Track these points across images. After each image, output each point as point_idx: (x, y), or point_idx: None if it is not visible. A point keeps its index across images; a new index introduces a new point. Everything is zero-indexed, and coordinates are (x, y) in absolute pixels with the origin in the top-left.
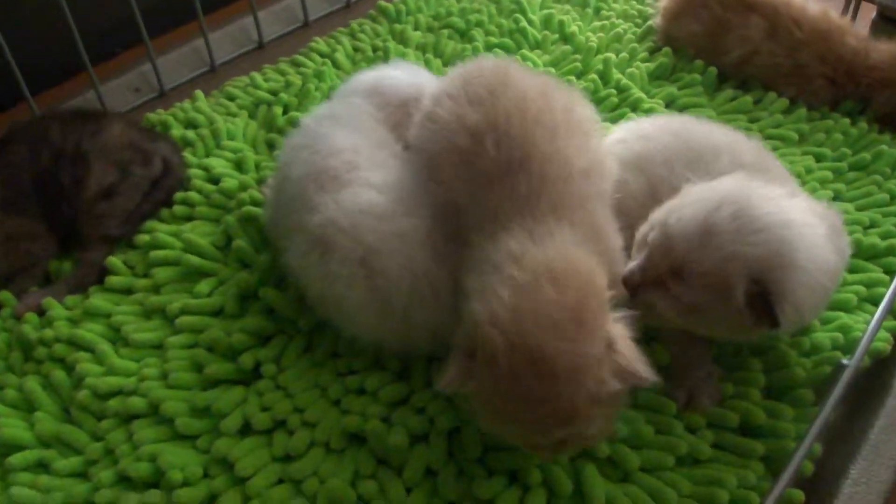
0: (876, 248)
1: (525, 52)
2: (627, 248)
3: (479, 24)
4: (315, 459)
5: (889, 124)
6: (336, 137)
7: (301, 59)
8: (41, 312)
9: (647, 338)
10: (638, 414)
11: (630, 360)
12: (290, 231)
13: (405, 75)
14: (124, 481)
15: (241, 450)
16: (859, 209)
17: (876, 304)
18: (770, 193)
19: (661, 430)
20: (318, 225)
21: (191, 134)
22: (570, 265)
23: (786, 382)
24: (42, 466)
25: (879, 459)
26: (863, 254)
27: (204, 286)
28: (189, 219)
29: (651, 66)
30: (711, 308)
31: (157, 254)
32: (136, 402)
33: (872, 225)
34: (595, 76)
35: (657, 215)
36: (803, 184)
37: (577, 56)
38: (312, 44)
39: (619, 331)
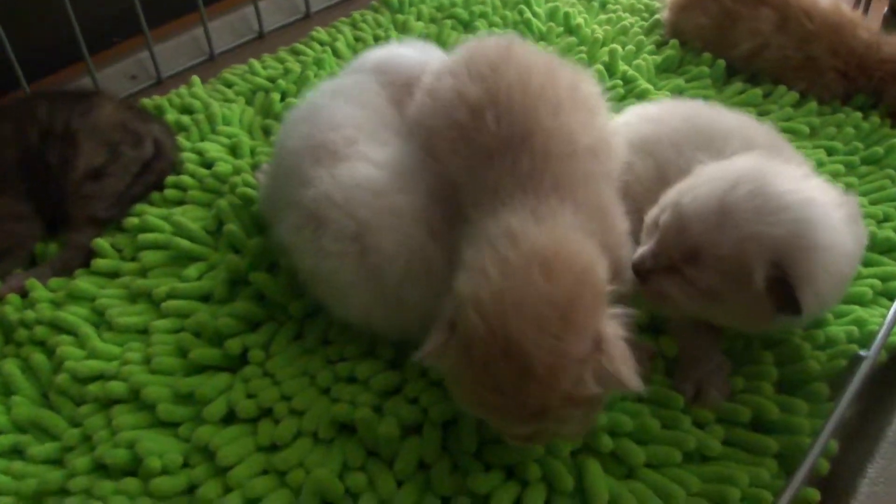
0: (891, 241)
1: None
2: (633, 233)
3: (482, 15)
4: (301, 449)
5: None
6: (337, 112)
7: (301, 47)
8: (24, 294)
9: (652, 330)
10: (643, 407)
11: (617, 364)
12: (284, 206)
13: (414, 53)
14: (101, 469)
15: (223, 438)
16: (873, 203)
17: (891, 298)
18: (788, 172)
19: (667, 424)
20: (311, 199)
21: (185, 119)
22: (568, 253)
23: (800, 376)
24: (17, 452)
25: None
26: (878, 247)
27: (193, 270)
28: (180, 203)
29: (658, 58)
30: (728, 294)
31: (145, 237)
32: (117, 387)
33: (886, 219)
34: (601, 67)
35: (669, 197)
36: None
37: (583, 48)
38: (313, 33)
39: (611, 330)
